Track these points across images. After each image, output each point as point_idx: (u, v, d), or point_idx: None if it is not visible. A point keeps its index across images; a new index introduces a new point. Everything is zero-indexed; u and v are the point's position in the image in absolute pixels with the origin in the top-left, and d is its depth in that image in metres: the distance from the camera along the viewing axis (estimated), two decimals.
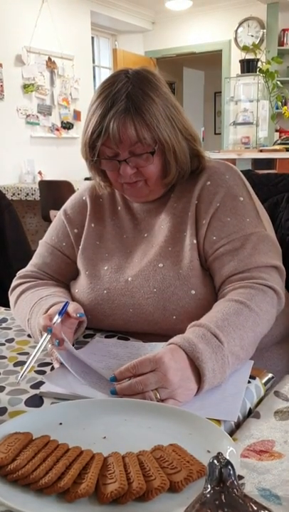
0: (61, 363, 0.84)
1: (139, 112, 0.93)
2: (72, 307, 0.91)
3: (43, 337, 0.83)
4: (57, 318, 0.86)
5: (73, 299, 1.04)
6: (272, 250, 0.97)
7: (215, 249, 0.96)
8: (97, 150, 0.96)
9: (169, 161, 0.98)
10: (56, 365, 0.85)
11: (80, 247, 1.08)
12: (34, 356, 0.81)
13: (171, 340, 0.79)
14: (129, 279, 0.99)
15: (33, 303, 0.99)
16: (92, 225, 1.09)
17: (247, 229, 0.96)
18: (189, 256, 0.96)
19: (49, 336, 0.83)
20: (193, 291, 0.94)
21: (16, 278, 1.14)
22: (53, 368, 0.86)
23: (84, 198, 1.13)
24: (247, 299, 0.87)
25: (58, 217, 1.15)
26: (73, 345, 0.94)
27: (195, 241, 0.98)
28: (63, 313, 0.88)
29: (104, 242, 1.07)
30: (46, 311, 0.92)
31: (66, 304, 0.90)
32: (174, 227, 1.01)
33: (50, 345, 0.86)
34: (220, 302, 0.90)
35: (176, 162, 0.99)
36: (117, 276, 1.01)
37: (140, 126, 0.93)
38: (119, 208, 1.10)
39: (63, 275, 1.11)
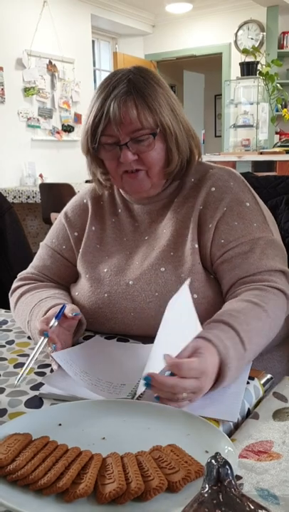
0: (59, 366, 0.84)
1: (140, 94, 0.93)
2: (68, 308, 0.91)
3: (40, 341, 0.84)
4: (54, 322, 0.87)
5: (74, 302, 1.04)
6: (279, 255, 0.97)
7: (223, 252, 0.96)
8: (98, 136, 0.95)
9: (171, 148, 0.97)
10: (55, 367, 0.86)
11: (81, 251, 1.08)
12: (31, 360, 0.81)
13: (215, 340, 0.76)
14: (130, 282, 0.99)
15: (33, 305, 1.00)
16: (93, 228, 1.09)
17: (255, 233, 0.96)
18: (191, 260, 0.96)
19: (46, 340, 0.84)
20: (195, 295, 0.94)
21: (16, 280, 1.14)
22: (52, 370, 0.86)
23: (85, 200, 1.13)
24: (264, 303, 0.87)
25: (58, 219, 1.15)
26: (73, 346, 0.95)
27: (196, 245, 0.98)
28: (60, 316, 0.88)
29: (104, 245, 1.07)
30: (45, 313, 0.92)
31: (63, 307, 0.90)
32: (176, 232, 1.00)
33: (49, 349, 0.86)
34: (237, 300, 0.89)
35: (178, 150, 0.98)
36: (117, 279, 1.01)
37: (142, 107, 0.92)
38: (119, 210, 1.09)
39: (63, 278, 1.11)
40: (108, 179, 1.06)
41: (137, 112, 0.92)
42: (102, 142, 0.96)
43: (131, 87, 0.93)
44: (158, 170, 0.98)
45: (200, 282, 0.95)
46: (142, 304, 0.97)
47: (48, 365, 0.88)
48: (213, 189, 1.00)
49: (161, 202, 1.05)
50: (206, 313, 0.89)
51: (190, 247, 0.97)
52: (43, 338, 0.85)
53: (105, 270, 1.03)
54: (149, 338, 0.96)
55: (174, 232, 1.00)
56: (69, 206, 1.15)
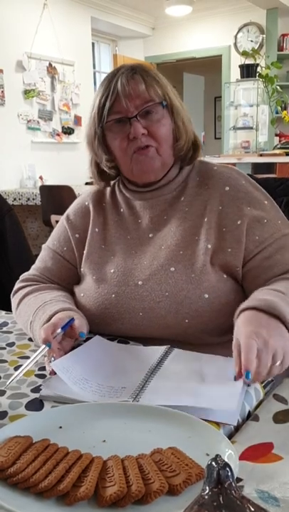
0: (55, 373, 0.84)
1: (147, 72, 0.98)
2: (77, 323, 0.91)
3: (40, 348, 0.84)
4: (59, 332, 0.87)
5: (78, 304, 1.03)
6: None
7: (261, 248, 0.97)
8: (106, 113, 0.97)
9: (178, 124, 1.00)
10: (49, 372, 0.85)
11: (85, 252, 1.08)
12: (28, 365, 0.81)
13: (242, 307, 0.83)
14: (140, 282, 0.98)
15: (37, 306, 0.99)
16: (96, 229, 1.09)
17: (283, 229, 0.99)
18: (202, 260, 0.96)
19: (46, 349, 0.84)
20: (206, 295, 0.94)
21: (18, 281, 1.14)
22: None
23: (86, 203, 1.13)
24: None
25: (60, 222, 1.16)
26: (73, 348, 0.95)
27: (210, 246, 0.97)
28: (67, 328, 0.88)
29: (108, 244, 1.07)
30: (49, 318, 0.92)
31: (71, 320, 0.90)
32: (186, 231, 1.00)
33: (46, 358, 0.86)
34: (277, 279, 0.93)
35: (185, 129, 1.01)
36: (125, 279, 1.00)
37: (150, 81, 0.96)
38: (121, 209, 1.09)
39: (64, 280, 1.11)
40: (113, 167, 1.06)
41: (146, 85, 0.95)
42: (110, 120, 0.97)
43: (136, 68, 0.98)
44: (167, 146, 1.00)
45: (211, 282, 0.95)
46: (151, 303, 0.96)
47: None
48: (228, 188, 1.01)
49: (164, 197, 1.05)
50: (218, 313, 0.91)
51: (202, 247, 0.97)
52: (44, 346, 0.85)
53: (112, 271, 1.02)
54: (156, 340, 0.96)
55: (183, 231, 1.00)
56: (71, 209, 1.16)
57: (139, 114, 0.95)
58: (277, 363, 0.74)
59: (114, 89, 0.94)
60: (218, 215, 1.00)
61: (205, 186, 1.03)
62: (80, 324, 0.93)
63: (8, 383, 0.78)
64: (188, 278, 0.95)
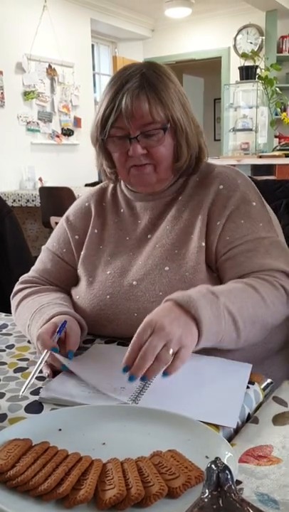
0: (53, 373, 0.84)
1: (153, 89, 0.94)
2: (72, 343, 0.90)
3: (44, 353, 0.84)
4: (56, 337, 0.87)
5: (74, 306, 1.04)
6: (282, 256, 0.97)
7: (228, 249, 0.96)
8: (108, 128, 0.95)
9: (181, 143, 0.98)
10: (46, 374, 0.85)
11: (82, 253, 1.08)
12: (35, 372, 0.81)
13: (164, 299, 0.82)
14: (134, 282, 0.98)
15: (34, 310, 0.99)
16: (96, 230, 1.09)
17: (260, 232, 0.97)
18: (196, 258, 0.96)
19: (49, 353, 0.84)
20: None
21: (18, 283, 1.14)
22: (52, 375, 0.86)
23: (87, 204, 1.13)
24: (256, 284, 0.89)
25: (60, 223, 1.16)
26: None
27: (203, 243, 0.97)
28: (61, 331, 0.89)
29: (106, 245, 1.07)
30: (46, 322, 0.92)
31: (64, 324, 0.90)
32: (181, 230, 1.00)
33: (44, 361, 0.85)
34: (228, 282, 0.92)
35: (188, 146, 0.99)
36: (120, 280, 1.00)
37: (154, 101, 0.93)
38: (121, 210, 1.09)
39: (63, 281, 1.11)
40: (113, 172, 1.06)
41: (149, 106, 0.92)
42: (112, 134, 0.96)
43: (144, 81, 0.94)
44: (166, 165, 0.99)
45: (204, 281, 0.95)
46: (145, 303, 0.96)
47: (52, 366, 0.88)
48: (222, 187, 1.01)
49: (164, 199, 1.05)
50: None
51: (196, 246, 0.97)
52: (46, 351, 0.85)
53: (108, 272, 1.02)
54: None
55: (179, 230, 1.00)
56: (71, 210, 1.16)
57: (140, 135, 0.94)
58: (170, 351, 0.73)
59: (118, 106, 0.93)
60: (207, 213, 1.00)
61: (202, 186, 1.03)
62: (74, 342, 0.91)
63: (22, 392, 0.78)
64: (181, 277, 0.95)
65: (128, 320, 0.98)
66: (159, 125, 0.94)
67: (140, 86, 0.93)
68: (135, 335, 0.75)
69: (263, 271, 0.93)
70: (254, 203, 1.00)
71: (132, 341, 0.75)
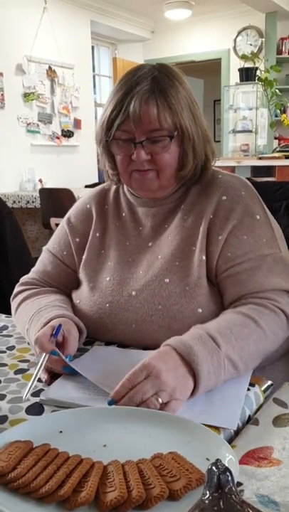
0: (51, 378, 0.84)
1: (163, 94, 0.91)
2: (70, 348, 0.89)
3: (42, 357, 0.84)
4: (52, 340, 0.87)
5: (74, 310, 1.03)
6: (284, 272, 0.95)
7: (229, 266, 0.94)
8: (114, 130, 0.93)
9: (187, 152, 0.95)
10: (44, 378, 0.85)
11: (84, 257, 1.07)
12: (36, 375, 0.81)
13: (165, 342, 0.80)
14: (133, 293, 0.97)
15: (33, 312, 0.99)
16: (97, 234, 1.08)
17: (263, 249, 0.94)
18: (197, 272, 0.94)
19: (48, 356, 0.84)
20: (200, 310, 0.92)
21: (18, 284, 1.14)
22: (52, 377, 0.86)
23: (88, 206, 1.11)
24: (257, 316, 0.86)
25: (61, 224, 1.14)
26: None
27: (204, 257, 0.95)
28: (57, 334, 0.88)
29: (107, 249, 1.06)
30: (44, 325, 0.92)
31: (59, 327, 0.89)
32: (183, 241, 0.98)
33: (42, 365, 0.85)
34: (228, 311, 0.89)
35: (194, 155, 0.96)
36: (119, 289, 0.99)
37: (163, 107, 0.90)
38: (123, 214, 1.08)
39: (63, 284, 1.11)
40: (116, 174, 1.04)
41: (158, 111, 0.90)
42: (117, 137, 0.94)
43: (154, 86, 0.91)
44: (169, 173, 0.97)
45: (205, 296, 0.93)
46: (144, 316, 0.95)
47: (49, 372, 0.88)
48: (224, 198, 0.98)
49: (167, 206, 1.03)
50: None
51: (198, 259, 0.95)
52: (45, 354, 0.84)
53: (108, 279, 1.01)
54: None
55: (180, 240, 0.98)
56: (72, 211, 1.14)
57: (145, 141, 0.92)
58: (159, 400, 0.70)
59: (126, 109, 0.90)
60: (208, 225, 0.97)
61: (205, 194, 1.00)
62: (72, 348, 0.90)
63: (25, 396, 0.77)
64: (182, 291, 0.93)
65: (126, 330, 0.97)
66: (166, 132, 0.92)
67: (150, 90, 0.91)
68: (130, 372, 0.73)
69: (264, 291, 0.91)
70: (258, 216, 0.97)
71: (125, 377, 0.73)
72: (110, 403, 0.72)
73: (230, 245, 0.95)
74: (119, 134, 0.93)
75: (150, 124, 0.91)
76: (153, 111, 0.90)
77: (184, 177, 0.99)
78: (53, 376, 0.85)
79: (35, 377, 0.81)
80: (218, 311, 0.93)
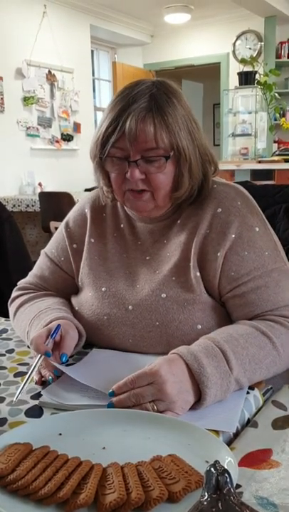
0: (43, 382, 0.85)
1: (161, 113, 0.88)
2: (66, 346, 0.89)
3: (37, 358, 0.84)
4: (49, 341, 0.87)
5: (74, 314, 1.02)
6: None
7: (234, 286, 0.91)
8: (108, 147, 0.90)
9: (183, 173, 0.92)
10: (35, 379, 0.85)
11: (82, 264, 1.06)
12: (29, 377, 0.81)
13: (175, 350, 0.79)
14: (130, 307, 0.95)
15: (33, 315, 0.99)
16: (92, 240, 1.06)
17: (267, 265, 0.91)
18: (195, 288, 0.92)
19: (43, 357, 0.84)
20: (199, 326, 0.91)
21: (15, 289, 1.14)
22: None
23: (86, 210, 1.09)
24: (274, 335, 0.85)
25: (60, 229, 1.13)
26: (72, 356, 0.95)
27: (198, 274, 0.93)
28: (55, 335, 0.88)
29: (104, 259, 1.04)
30: (44, 327, 0.92)
31: (58, 328, 0.89)
32: (180, 256, 0.95)
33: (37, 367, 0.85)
34: (246, 323, 0.87)
35: (190, 176, 0.93)
36: (116, 301, 0.97)
37: (160, 126, 0.87)
38: (122, 225, 1.06)
39: (60, 289, 1.10)
40: (110, 191, 0.99)
41: (154, 131, 0.87)
42: (111, 154, 0.91)
43: (152, 104, 0.88)
44: (164, 193, 0.93)
45: (204, 312, 0.92)
46: (142, 332, 0.93)
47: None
48: (220, 210, 0.94)
49: (163, 222, 1.01)
50: None
51: (193, 275, 0.93)
52: (40, 356, 0.84)
53: (103, 289, 1.00)
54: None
55: (177, 256, 0.96)
56: (71, 215, 1.12)
57: (140, 160, 0.89)
58: (155, 408, 0.71)
59: (121, 126, 0.87)
60: (203, 240, 0.94)
61: (200, 206, 0.97)
62: (69, 346, 0.90)
63: (15, 398, 0.77)
64: (179, 307, 0.91)
65: (122, 344, 0.96)
66: (162, 152, 0.89)
67: (147, 108, 0.88)
68: (137, 373, 0.73)
69: (278, 308, 0.90)
70: (257, 228, 0.94)
71: (130, 376, 0.73)
72: (110, 406, 0.72)
73: (232, 263, 0.92)
74: (114, 151, 0.90)
75: (146, 143, 0.88)
76: (150, 130, 0.87)
77: (179, 198, 0.96)
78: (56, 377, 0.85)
79: (27, 379, 0.80)
80: (218, 326, 0.91)
